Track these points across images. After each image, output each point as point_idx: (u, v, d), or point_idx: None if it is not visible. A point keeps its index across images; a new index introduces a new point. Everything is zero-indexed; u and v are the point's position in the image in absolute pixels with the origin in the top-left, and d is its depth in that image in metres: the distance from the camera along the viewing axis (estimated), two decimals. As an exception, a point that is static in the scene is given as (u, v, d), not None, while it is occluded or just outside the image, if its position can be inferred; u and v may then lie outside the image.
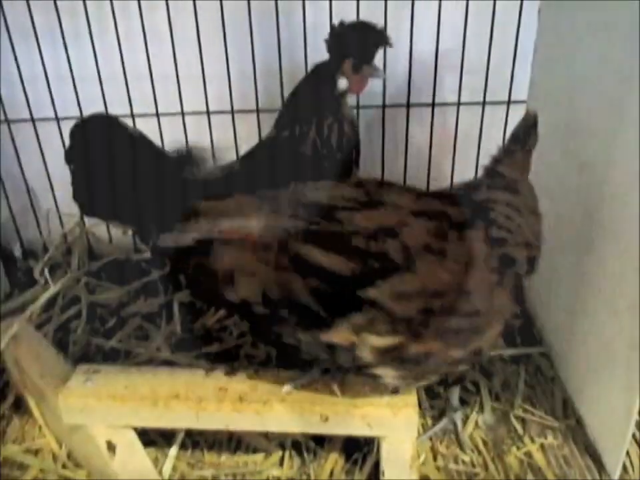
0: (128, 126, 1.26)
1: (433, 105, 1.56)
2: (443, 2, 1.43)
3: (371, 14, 1.48)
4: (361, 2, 1.45)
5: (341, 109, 1.26)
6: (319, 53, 1.36)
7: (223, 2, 1.45)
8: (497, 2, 1.44)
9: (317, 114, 1.24)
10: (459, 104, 1.54)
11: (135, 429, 1.03)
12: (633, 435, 1.10)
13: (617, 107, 0.97)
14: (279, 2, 1.45)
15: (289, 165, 1.23)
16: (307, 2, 1.45)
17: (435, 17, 1.45)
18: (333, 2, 1.44)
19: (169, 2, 1.45)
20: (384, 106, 1.58)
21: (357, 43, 1.22)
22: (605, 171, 1.03)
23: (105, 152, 1.19)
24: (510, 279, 0.91)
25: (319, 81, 1.25)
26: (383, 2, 1.44)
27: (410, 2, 1.43)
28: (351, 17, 1.44)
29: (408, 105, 1.57)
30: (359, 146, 1.31)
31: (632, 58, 0.92)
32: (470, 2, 1.43)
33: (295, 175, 1.02)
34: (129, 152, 1.20)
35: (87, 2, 1.46)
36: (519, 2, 1.43)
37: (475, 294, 0.84)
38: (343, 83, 1.24)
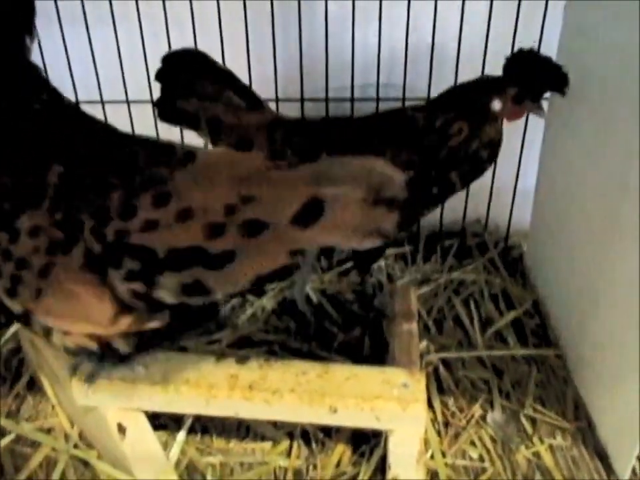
0: (218, 63, 1.29)
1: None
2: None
3: (394, 5, 1.47)
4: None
5: (486, 127, 1.19)
6: (339, 45, 1.36)
7: (246, -10, 1.45)
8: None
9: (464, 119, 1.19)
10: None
11: (146, 412, 1.04)
12: (644, 439, 1.10)
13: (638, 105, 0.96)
14: (302, -9, 1.44)
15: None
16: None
17: (458, 12, 1.43)
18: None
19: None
20: (404, 99, 1.57)
21: (531, 77, 1.15)
22: (624, 170, 1.02)
23: (192, 81, 1.24)
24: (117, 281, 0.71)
25: (475, 91, 1.20)
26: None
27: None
28: (373, 7, 1.44)
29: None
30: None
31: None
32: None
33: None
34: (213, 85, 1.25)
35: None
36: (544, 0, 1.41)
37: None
38: (497, 105, 1.18)
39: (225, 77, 1.27)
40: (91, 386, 0.94)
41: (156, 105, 1.28)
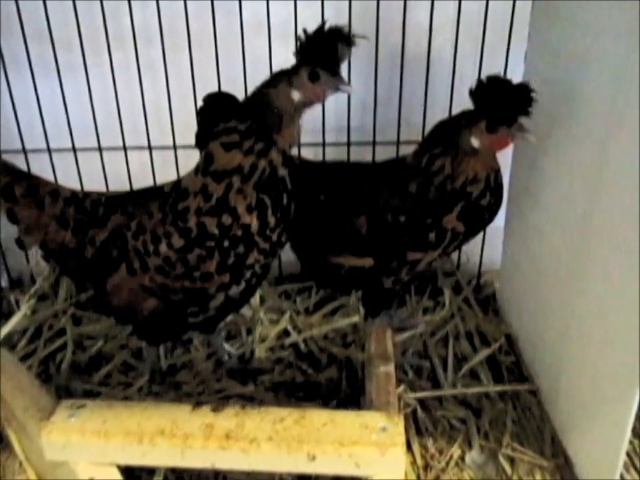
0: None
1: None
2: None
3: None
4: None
5: (467, 162, 1.19)
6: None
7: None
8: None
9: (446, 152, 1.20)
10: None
11: (118, 466, 1.01)
12: (621, 475, 1.10)
13: (612, 111, 0.99)
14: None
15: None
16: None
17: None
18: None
19: (164, 36, 1.47)
20: (374, 143, 1.61)
21: (495, 104, 1.14)
22: (588, 208, 1.05)
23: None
24: None
25: (454, 126, 1.21)
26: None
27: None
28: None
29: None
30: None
31: (628, 62, 0.93)
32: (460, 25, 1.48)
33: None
34: None
35: (83, 34, 1.47)
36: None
37: None
38: (475, 139, 1.17)
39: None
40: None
41: (196, 136, 1.26)
